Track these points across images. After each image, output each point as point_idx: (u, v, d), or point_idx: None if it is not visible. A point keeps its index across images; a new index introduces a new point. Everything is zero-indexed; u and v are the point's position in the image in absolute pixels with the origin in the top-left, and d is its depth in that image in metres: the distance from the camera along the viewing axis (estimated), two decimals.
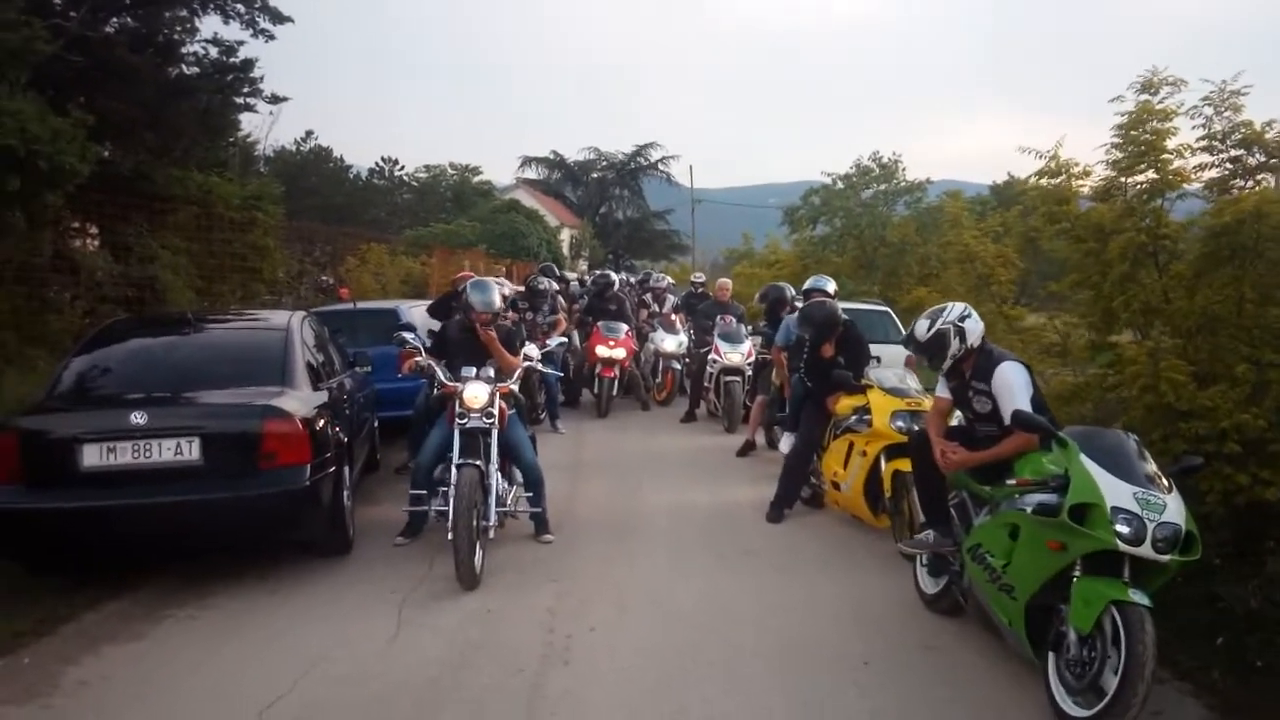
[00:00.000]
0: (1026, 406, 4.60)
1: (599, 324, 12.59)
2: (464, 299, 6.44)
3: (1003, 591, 4.42)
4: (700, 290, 15.46)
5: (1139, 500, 3.94)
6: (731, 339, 11.27)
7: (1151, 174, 5.67)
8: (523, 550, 6.30)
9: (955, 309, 4.87)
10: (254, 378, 5.77)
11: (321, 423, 5.74)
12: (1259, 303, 5.06)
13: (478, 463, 5.70)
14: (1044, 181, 6.45)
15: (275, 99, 14.10)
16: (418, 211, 45.91)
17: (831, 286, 8.31)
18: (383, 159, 50.41)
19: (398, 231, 35.53)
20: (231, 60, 12.98)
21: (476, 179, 52.67)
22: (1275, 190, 5.16)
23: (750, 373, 11.15)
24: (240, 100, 13.60)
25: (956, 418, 5.21)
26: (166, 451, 5.13)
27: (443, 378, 6.11)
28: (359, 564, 6.03)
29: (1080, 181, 6.32)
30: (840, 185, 17.19)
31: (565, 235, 50.08)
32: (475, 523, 5.50)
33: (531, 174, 63.58)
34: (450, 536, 5.52)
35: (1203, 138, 5.78)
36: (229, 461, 5.24)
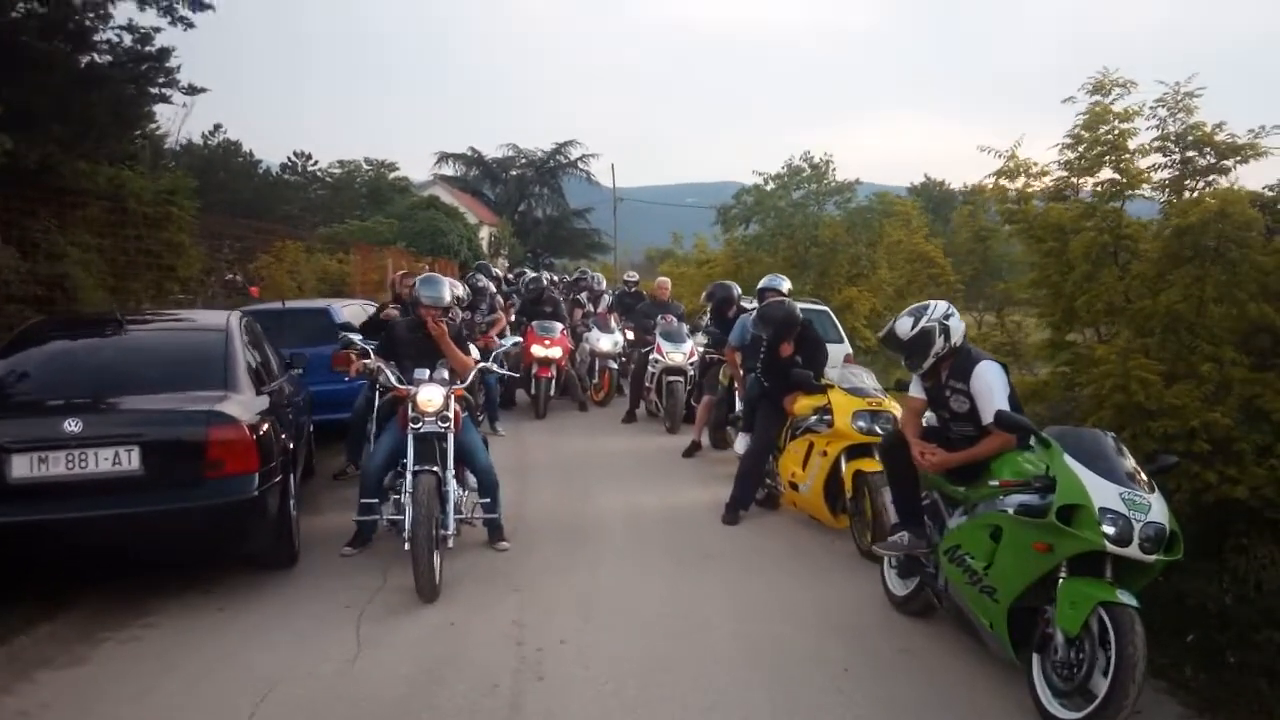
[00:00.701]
0: (1006, 406, 4.58)
1: (533, 323, 12.40)
2: (412, 294, 6.19)
3: (984, 594, 4.38)
4: (634, 289, 15.33)
5: (1125, 500, 3.93)
6: (673, 338, 11.16)
7: (1113, 174, 5.72)
8: (478, 559, 6.08)
9: (939, 307, 4.81)
10: (194, 381, 5.43)
11: (266, 428, 5.43)
12: (1218, 301, 5.14)
13: (435, 469, 5.46)
14: (1003, 182, 6.49)
15: (192, 90, 13.44)
16: (332, 207, 44.91)
17: (786, 285, 8.26)
18: (295, 154, 49.33)
19: (311, 228, 34.61)
20: (147, 49, 12.33)
21: (393, 175, 51.76)
22: (1236, 191, 5.24)
23: (693, 372, 11.07)
24: (155, 91, 12.93)
25: (927, 418, 5.17)
26: (104, 461, 4.76)
27: (393, 380, 5.84)
28: (307, 577, 5.73)
29: (1034, 182, 6.37)
30: (772, 185, 17.25)
31: (484, 233, 49.56)
32: (434, 532, 5.27)
33: (448, 170, 62.77)
34: (407, 546, 5.29)
35: (1157, 138, 5.86)
36: (172, 471, 4.91)
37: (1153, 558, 3.91)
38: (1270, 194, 5.65)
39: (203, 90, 13.75)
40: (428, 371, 5.72)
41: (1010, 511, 4.29)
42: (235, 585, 5.48)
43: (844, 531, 6.69)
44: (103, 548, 4.87)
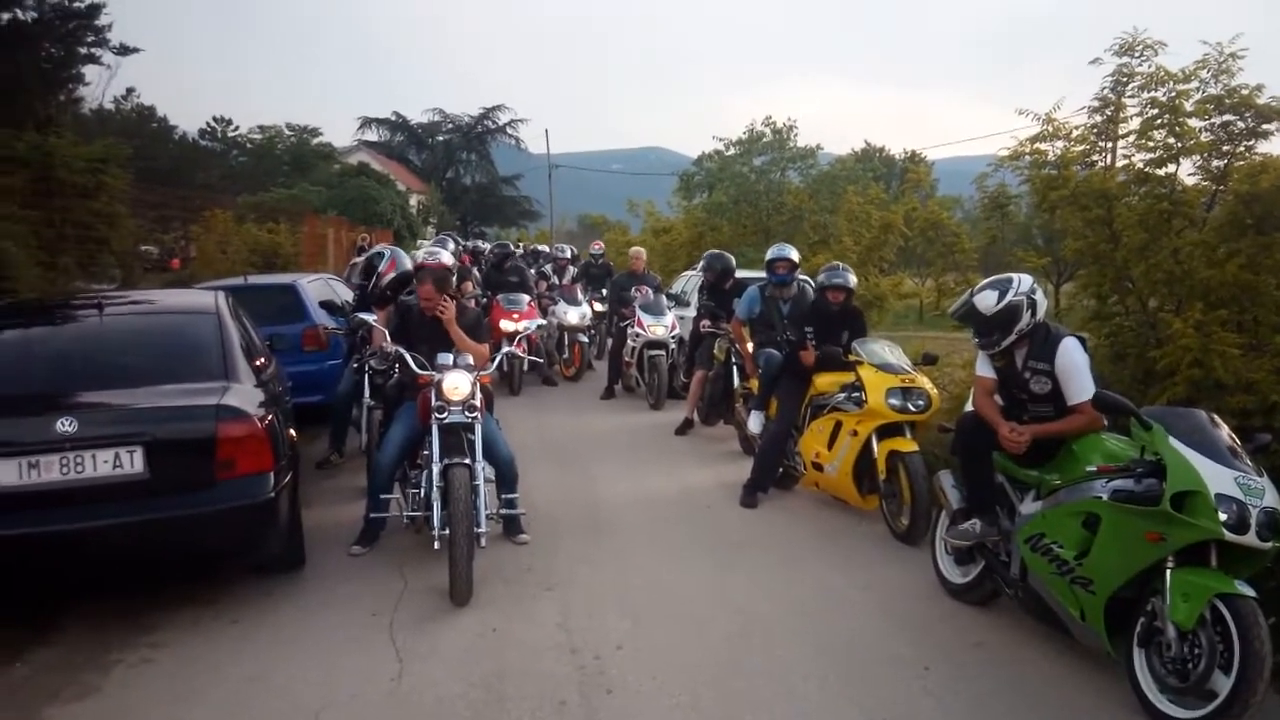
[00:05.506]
0: (1092, 386, 4.35)
1: (499, 297, 11.93)
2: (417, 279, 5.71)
3: (1077, 585, 4.15)
4: (601, 260, 14.89)
5: (1240, 485, 3.72)
6: (653, 311, 10.79)
7: (1168, 138, 5.49)
8: (500, 555, 5.65)
9: (1024, 280, 4.52)
10: (190, 372, 4.88)
11: (272, 420, 4.92)
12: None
13: (467, 462, 5.02)
14: (1042, 146, 6.23)
15: (124, 50, 12.59)
16: (255, 175, 43.15)
17: (795, 255, 7.92)
18: (214, 119, 47.25)
19: (233, 197, 33.19)
20: (75, 5, 11.43)
21: (315, 141, 50.00)
22: None
23: (674, 346, 10.74)
24: (84, 50, 12.03)
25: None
26: (103, 465, 4.22)
27: (413, 365, 5.37)
28: (318, 580, 5.26)
29: (1074, 146, 6.14)
30: (733, 150, 16.90)
31: (413, 200, 48.40)
32: (470, 529, 4.85)
33: (372, 136, 61.18)
34: (436, 545, 4.92)
35: (1199, 101, 5.65)
36: (180, 473, 4.39)
37: (1269, 544, 3.71)
38: None
39: (135, 50, 12.86)
40: (451, 357, 5.26)
41: (1105, 498, 4.06)
42: (241, 594, 4.99)
43: (869, 513, 6.45)
44: (105, 560, 4.32)
